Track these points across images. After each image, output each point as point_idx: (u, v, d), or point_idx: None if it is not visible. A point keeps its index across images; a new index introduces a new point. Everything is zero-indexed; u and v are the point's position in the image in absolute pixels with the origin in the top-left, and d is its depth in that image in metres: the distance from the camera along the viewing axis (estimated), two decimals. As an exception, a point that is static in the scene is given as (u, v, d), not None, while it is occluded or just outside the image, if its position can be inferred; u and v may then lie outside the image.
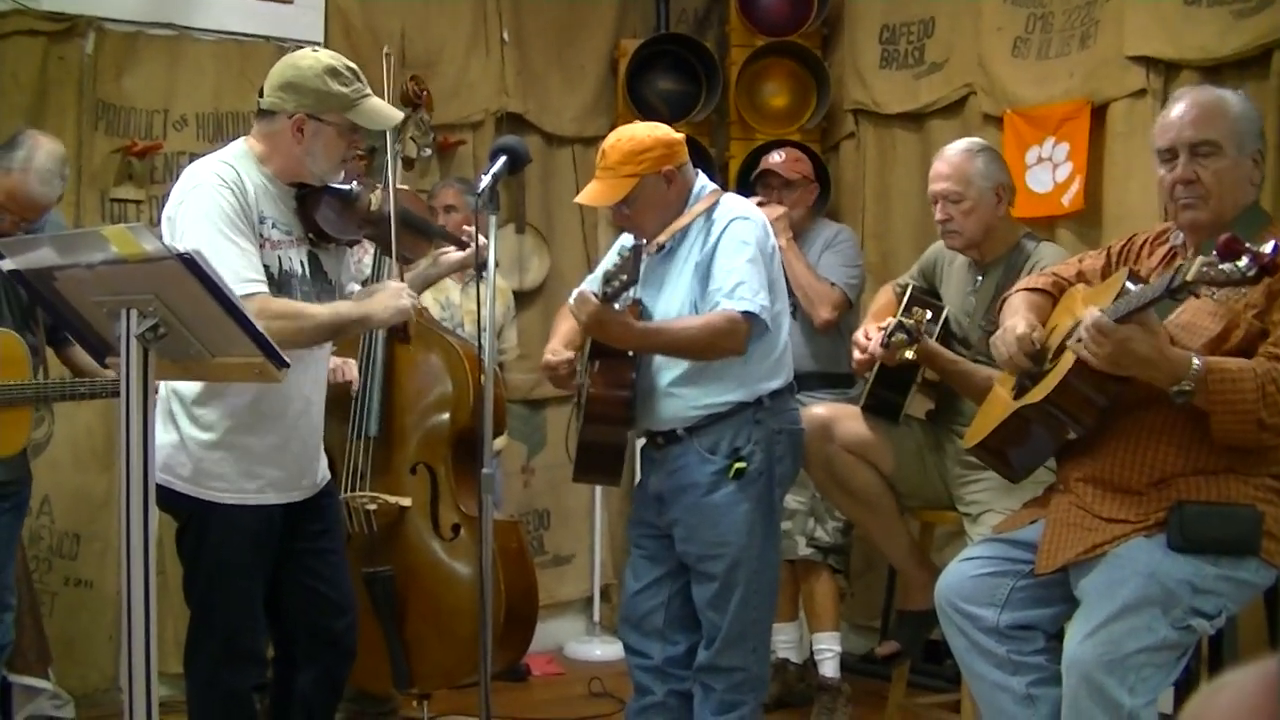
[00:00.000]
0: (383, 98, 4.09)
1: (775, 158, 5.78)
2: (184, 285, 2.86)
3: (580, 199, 4.27)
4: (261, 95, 3.79)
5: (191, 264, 2.82)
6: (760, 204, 5.18)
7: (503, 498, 6.29)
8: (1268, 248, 2.74)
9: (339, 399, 4.78)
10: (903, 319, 4.38)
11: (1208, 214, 3.41)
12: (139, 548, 2.88)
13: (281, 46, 5.92)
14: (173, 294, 2.88)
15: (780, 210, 5.48)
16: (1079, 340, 3.19)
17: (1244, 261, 2.76)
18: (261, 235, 3.66)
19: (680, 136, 4.23)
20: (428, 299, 5.56)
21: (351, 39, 6.17)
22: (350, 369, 4.90)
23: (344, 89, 3.71)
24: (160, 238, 3.05)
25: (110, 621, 5.54)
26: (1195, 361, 3.06)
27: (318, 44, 5.93)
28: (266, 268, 3.65)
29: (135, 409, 2.88)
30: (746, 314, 3.96)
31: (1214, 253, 2.80)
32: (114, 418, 4.90)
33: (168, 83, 5.85)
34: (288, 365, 3.09)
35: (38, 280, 3.03)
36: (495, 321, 5.85)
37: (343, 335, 3.76)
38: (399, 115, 3.94)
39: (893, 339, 4.29)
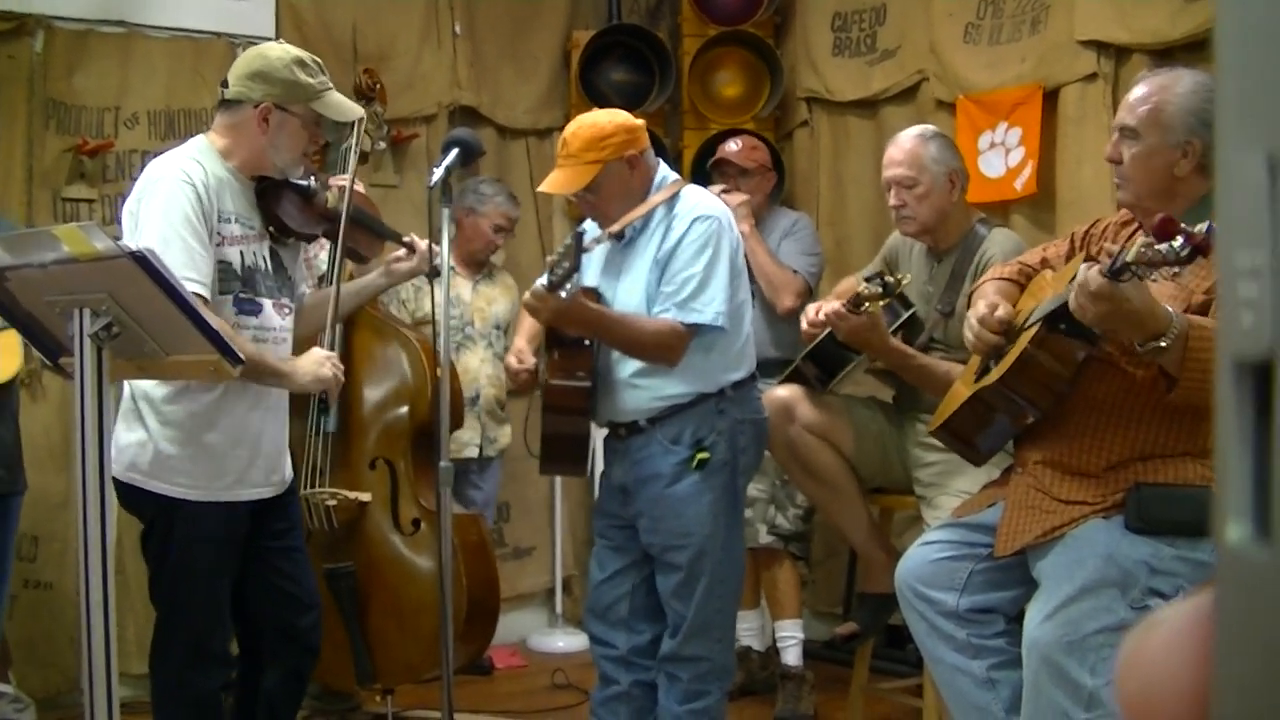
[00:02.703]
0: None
1: (731, 146, 5.80)
2: (137, 283, 2.86)
3: (543, 187, 4.27)
4: (225, 86, 3.80)
5: (144, 262, 2.82)
6: (724, 192, 5.21)
7: (495, 494, 6.29)
8: (1202, 228, 2.77)
9: (300, 394, 4.77)
10: (883, 273, 4.38)
11: (1129, 196, 3.45)
12: (97, 548, 2.87)
13: (233, 43, 5.90)
14: (126, 292, 2.87)
15: (742, 197, 5.50)
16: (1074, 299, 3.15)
17: (1178, 241, 2.79)
18: (221, 233, 3.67)
19: (641, 122, 4.24)
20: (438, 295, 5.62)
21: (303, 33, 6.14)
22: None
23: (310, 80, 3.76)
24: (116, 237, 3.04)
25: (70, 623, 5.49)
26: (1176, 318, 3.05)
27: (269, 39, 5.92)
28: (230, 263, 3.67)
29: (90, 409, 2.87)
30: (695, 325, 3.98)
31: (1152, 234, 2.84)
32: (70, 418, 4.88)
33: (119, 80, 5.82)
34: (243, 362, 3.09)
35: (-10, 281, 3.02)
36: (503, 319, 5.93)
37: (255, 380, 3.75)
38: (360, 110, 3.99)
39: (869, 282, 4.26)
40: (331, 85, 3.85)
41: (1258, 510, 0.42)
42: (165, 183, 3.61)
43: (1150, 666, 0.45)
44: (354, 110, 3.91)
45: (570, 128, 4.22)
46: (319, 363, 3.84)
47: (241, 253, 3.72)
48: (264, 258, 3.81)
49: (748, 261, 4.57)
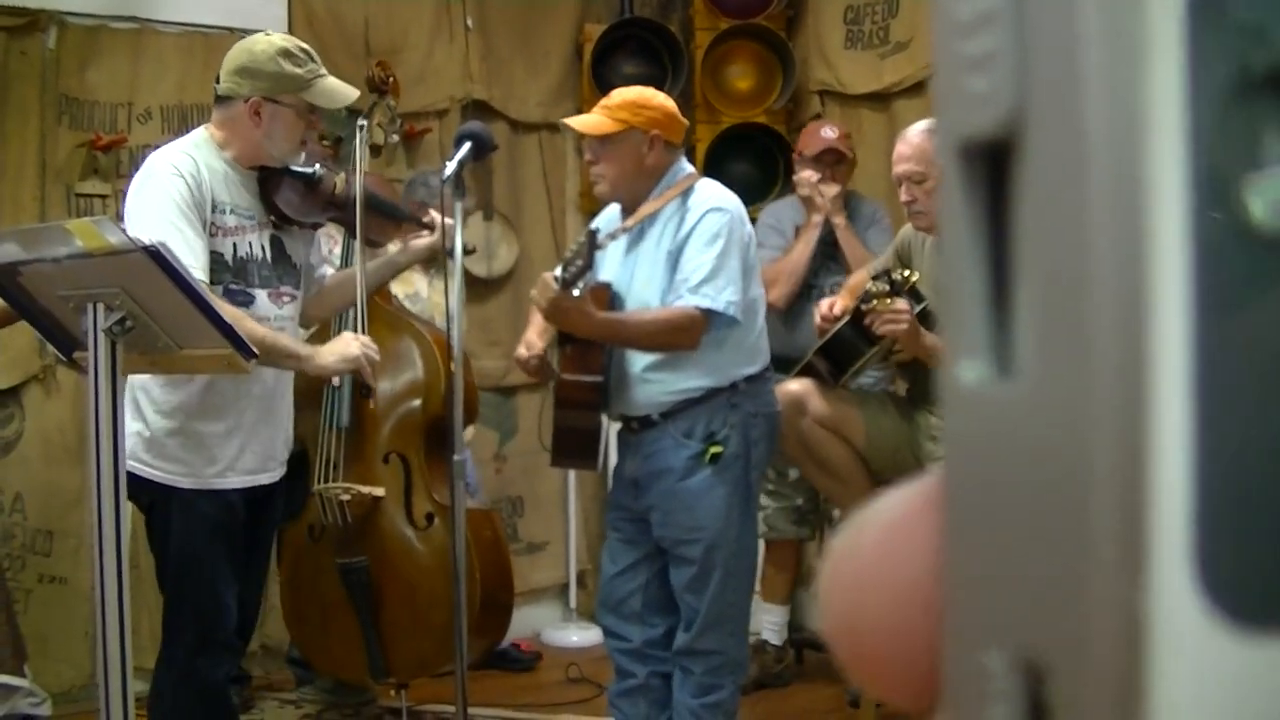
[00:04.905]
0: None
1: (829, 134, 5.60)
2: (150, 277, 2.86)
3: (569, 120, 4.48)
4: (218, 82, 3.82)
5: (157, 256, 2.83)
6: (819, 183, 5.19)
7: (478, 486, 6.28)
8: None
9: (312, 389, 4.77)
10: (890, 270, 4.38)
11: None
12: (111, 542, 2.88)
13: (245, 37, 5.90)
14: (139, 287, 2.88)
15: (836, 189, 5.41)
16: None
17: None
18: (215, 224, 3.70)
19: (685, 122, 4.28)
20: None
21: (315, 28, 6.14)
22: None
23: (298, 70, 3.76)
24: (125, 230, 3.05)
25: (85, 617, 5.50)
26: None
27: (281, 34, 5.93)
28: (221, 255, 3.69)
29: (104, 403, 2.88)
30: (708, 311, 3.98)
31: None
32: (84, 413, 4.89)
33: (131, 76, 5.82)
34: (256, 356, 3.10)
35: (3, 276, 3.02)
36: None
37: (272, 363, 3.76)
38: (355, 92, 3.99)
39: (875, 280, 4.26)
40: (322, 71, 3.84)
41: (996, 341, 0.32)
42: (156, 177, 3.64)
43: (861, 570, 0.35)
44: (346, 95, 3.91)
45: (622, 88, 4.35)
46: (345, 343, 3.86)
47: (235, 244, 3.75)
48: (262, 247, 3.83)
49: (842, 253, 4.56)
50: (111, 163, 5.75)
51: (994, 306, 0.32)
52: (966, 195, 0.33)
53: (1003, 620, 0.31)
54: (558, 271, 3.96)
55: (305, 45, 3.85)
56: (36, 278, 2.99)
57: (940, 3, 0.33)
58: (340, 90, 3.87)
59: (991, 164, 0.32)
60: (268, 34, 3.92)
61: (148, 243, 2.87)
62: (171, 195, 3.59)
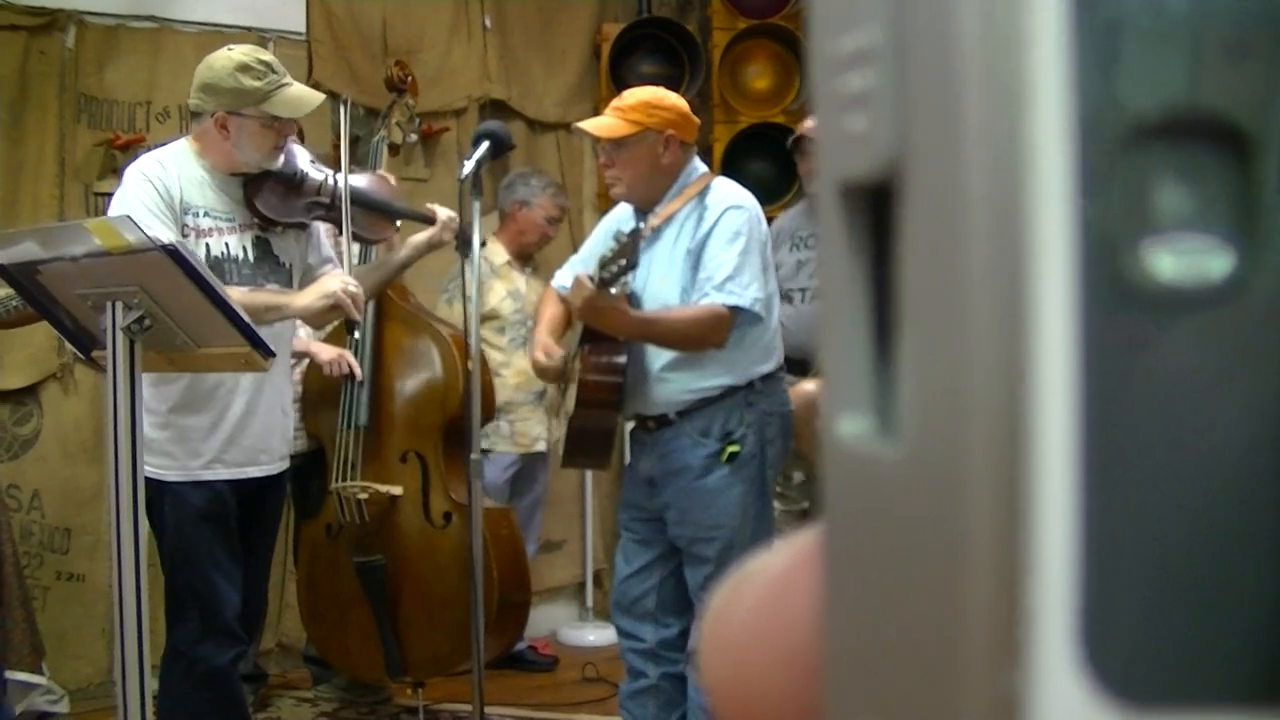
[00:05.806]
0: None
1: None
2: (168, 276, 2.87)
3: (582, 124, 4.37)
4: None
5: (175, 255, 2.83)
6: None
7: (547, 488, 6.26)
8: None
9: (330, 388, 4.79)
10: None
11: None
12: (129, 540, 2.89)
13: (264, 37, 5.91)
14: (157, 285, 2.89)
15: None
16: None
17: None
18: (187, 225, 3.78)
19: (698, 121, 4.27)
20: (499, 290, 5.62)
21: (333, 28, 6.16)
22: (350, 358, 4.88)
23: (257, 83, 3.84)
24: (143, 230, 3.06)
25: (102, 615, 5.52)
26: None
27: (299, 34, 5.95)
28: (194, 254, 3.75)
29: (123, 402, 2.89)
30: (735, 308, 3.97)
31: None
32: (102, 411, 4.90)
33: (149, 75, 5.84)
34: (274, 355, 3.11)
35: (22, 274, 3.04)
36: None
37: (257, 321, 3.81)
38: (318, 99, 4.04)
39: None
40: (285, 81, 3.92)
41: (879, 396, 0.30)
42: (128, 186, 3.77)
43: (742, 630, 0.33)
44: (308, 103, 3.97)
45: (633, 89, 4.32)
46: (323, 281, 3.93)
47: (208, 244, 3.83)
48: (243, 248, 3.90)
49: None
50: (129, 162, 5.76)
51: (878, 357, 0.30)
52: (848, 240, 0.31)
53: (877, 694, 0.29)
54: (592, 270, 3.95)
55: (266, 57, 3.94)
56: (55, 276, 3.00)
57: (817, 35, 0.31)
58: (303, 99, 3.94)
59: (874, 207, 0.30)
60: (229, 49, 3.99)
61: (166, 242, 2.89)
62: (143, 199, 3.70)
